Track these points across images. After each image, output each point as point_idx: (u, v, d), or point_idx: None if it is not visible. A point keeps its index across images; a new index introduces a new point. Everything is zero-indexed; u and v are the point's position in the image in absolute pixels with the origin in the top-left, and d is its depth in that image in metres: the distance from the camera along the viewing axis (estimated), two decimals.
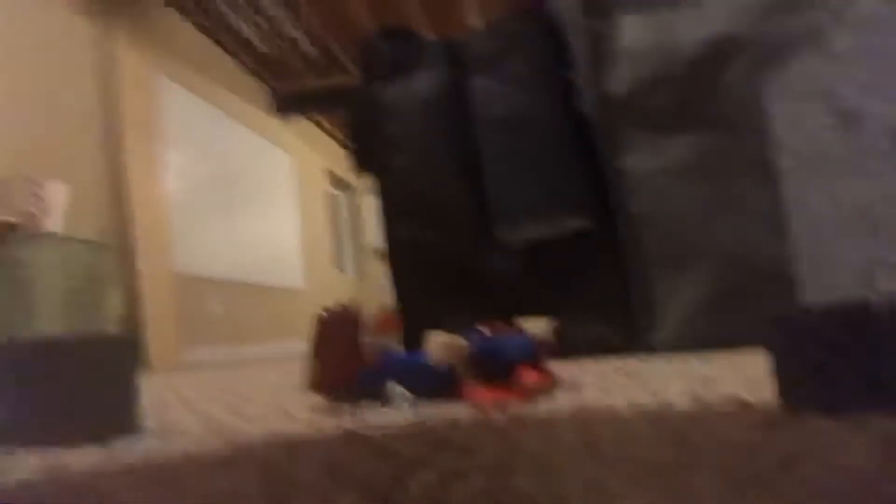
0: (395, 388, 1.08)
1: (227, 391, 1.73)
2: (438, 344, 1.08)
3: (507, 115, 2.49)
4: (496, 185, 2.46)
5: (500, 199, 2.45)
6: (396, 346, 1.38)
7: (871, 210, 1.32)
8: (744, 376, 1.07)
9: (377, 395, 1.09)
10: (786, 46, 1.96)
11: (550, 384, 1.08)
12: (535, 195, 2.42)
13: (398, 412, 0.98)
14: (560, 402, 0.92)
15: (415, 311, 2.48)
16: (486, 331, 1.19)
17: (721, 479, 0.48)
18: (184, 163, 5.47)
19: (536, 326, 1.25)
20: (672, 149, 2.32)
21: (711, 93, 2.26)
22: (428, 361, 1.06)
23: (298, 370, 2.69)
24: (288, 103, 7.35)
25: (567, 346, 2.04)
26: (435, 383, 1.05)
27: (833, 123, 1.42)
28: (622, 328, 2.31)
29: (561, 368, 1.34)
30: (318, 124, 8.57)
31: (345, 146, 9.11)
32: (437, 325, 1.50)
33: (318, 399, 1.20)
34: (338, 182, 9.32)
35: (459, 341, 1.07)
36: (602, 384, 1.12)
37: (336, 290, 8.26)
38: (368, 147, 2.66)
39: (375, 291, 9.34)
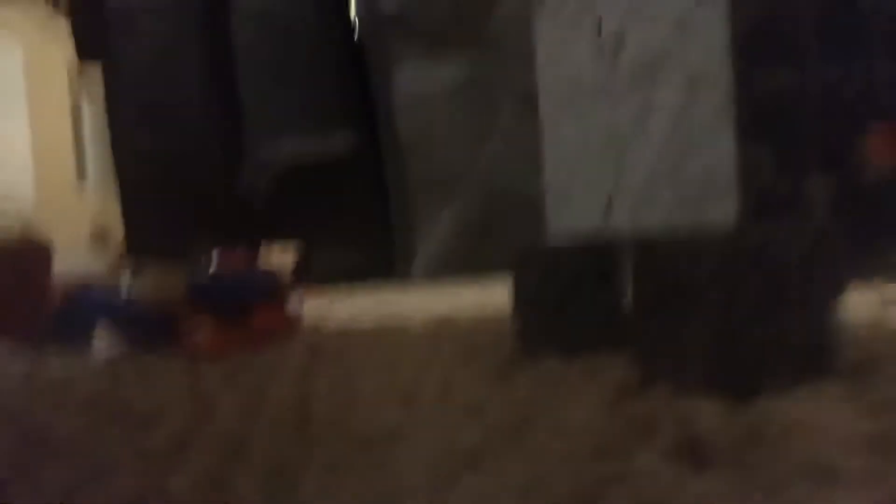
0: (99, 333, 0.89)
1: None
2: (154, 276, 0.90)
3: (270, 10, 2.22)
4: (253, 91, 2.21)
5: (257, 107, 2.21)
6: (109, 281, 1.16)
7: (617, 135, 1.37)
8: (488, 310, 1.04)
9: (72, 340, 0.89)
10: None
11: (290, 327, 0.96)
12: (298, 106, 2.22)
13: (92, 360, 0.80)
14: (293, 346, 0.81)
15: (143, 234, 2.19)
16: (221, 259, 1.02)
17: (439, 447, 0.40)
18: None
19: (280, 253, 1.11)
20: (443, 70, 2.26)
21: (485, 15, 2.22)
22: (137, 300, 0.88)
23: None
24: None
25: (316, 274, 1.93)
26: (145, 326, 0.87)
27: (594, 50, 1.44)
28: (378, 255, 2.26)
29: (308, 300, 1.23)
30: (58, 10, 7.18)
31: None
32: (168, 251, 1.29)
33: None
34: (85, 80, 7.99)
35: (179, 275, 0.90)
36: (343, 321, 1.04)
37: (76, 206, 7.22)
38: (93, 26, 2.21)
39: None
